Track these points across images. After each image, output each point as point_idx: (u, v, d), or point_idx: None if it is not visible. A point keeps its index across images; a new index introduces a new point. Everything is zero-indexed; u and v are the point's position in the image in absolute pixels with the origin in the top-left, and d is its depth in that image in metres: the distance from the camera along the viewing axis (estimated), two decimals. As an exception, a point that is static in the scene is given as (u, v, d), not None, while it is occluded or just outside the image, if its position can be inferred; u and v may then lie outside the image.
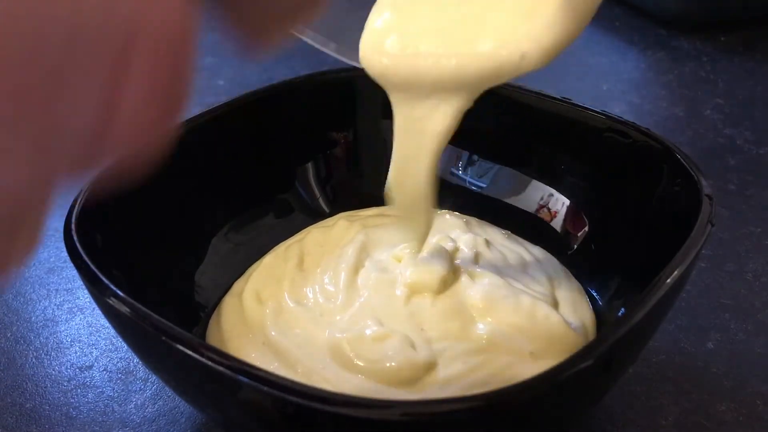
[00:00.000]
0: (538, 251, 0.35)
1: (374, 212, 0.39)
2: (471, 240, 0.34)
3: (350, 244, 0.35)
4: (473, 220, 0.37)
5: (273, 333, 0.31)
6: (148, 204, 0.33)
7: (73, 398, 0.33)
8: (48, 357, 0.35)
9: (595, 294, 0.33)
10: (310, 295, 0.33)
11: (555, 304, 0.31)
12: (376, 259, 0.34)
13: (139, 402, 0.32)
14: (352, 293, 0.32)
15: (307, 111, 0.39)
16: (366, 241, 0.35)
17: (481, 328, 0.30)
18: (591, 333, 0.31)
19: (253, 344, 0.30)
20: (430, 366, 0.28)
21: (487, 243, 0.35)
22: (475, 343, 0.29)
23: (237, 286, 0.34)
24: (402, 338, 0.29)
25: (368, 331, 0.29)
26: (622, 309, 0.31)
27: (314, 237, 0.36)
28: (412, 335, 0.29)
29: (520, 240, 0.36)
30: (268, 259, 0.35)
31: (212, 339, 0.32)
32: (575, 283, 0.34)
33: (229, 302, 0.33)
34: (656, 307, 0.24)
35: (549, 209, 0.36)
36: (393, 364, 0.28)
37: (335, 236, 0.36)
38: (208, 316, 0.33)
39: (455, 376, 0.28)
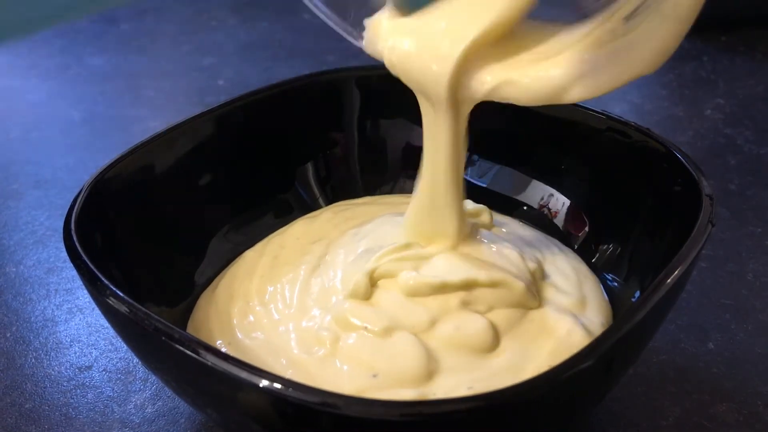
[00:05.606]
0: (556, 242, 0.35)
1: (366, 201, 0.39)
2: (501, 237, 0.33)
3: (318, 242, 0.34)
4: (485, 210, 0.36)
5: (239, 335, 0.30)
6: (148, 204, 0.33)
7: (73, 398, 0.32)
8: (47, 357, 0.35)
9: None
10: (272, 296, 0.32)
11: (582, 302, 0.30)
12: (335, 264, 0.32)
13: (138, 402, 0.32)
14: (305, 303, 0.31)
15: (307, 111, 0.39)
16: (335, 241, 0.34)
17: (496, 360, 0.27)
18: None
19: (220, 346, 0.30)
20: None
21: (507, 233, 0.33)
22: (486, 371, 0.27)
23: (216, 279, 0.34)
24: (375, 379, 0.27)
25: (338, 363, 0.27)
26: (637, 294, 0.30)
27: (295, 229, 0.36)
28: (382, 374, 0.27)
29: (537, 230, 0.36)
30: (249, 253, 0.35)
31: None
32: (594, 276, 0.33)
33: (205, 297, 0.33)
34: (657, 307, 0.24)
35: (549, 209, 0.36)
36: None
37: (315, 229, 0.36)
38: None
39: None
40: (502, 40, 0.26)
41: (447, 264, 0.30)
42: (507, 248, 0.31)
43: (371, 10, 0.29)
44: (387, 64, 0.28)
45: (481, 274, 0.29)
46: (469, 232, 0.31)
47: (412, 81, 0.28)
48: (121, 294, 0.25)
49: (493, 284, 0.29)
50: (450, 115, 0.28)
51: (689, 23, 0.23)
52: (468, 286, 0.29)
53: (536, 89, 0.26)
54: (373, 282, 0.30)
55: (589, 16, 0.25)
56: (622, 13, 0.24)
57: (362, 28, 0.29)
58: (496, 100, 0.27)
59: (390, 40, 0.28)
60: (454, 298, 0.29)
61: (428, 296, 0.29)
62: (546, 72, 0.26)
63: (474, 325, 0.28)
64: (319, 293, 0.31)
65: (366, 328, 0.28)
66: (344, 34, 0.29)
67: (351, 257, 0.32)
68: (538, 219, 0.36)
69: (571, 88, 0.25)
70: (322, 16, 0.29)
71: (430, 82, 0.27)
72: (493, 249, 0.31)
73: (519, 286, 0.29)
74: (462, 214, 0.31)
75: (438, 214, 0.31)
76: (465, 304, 0.29)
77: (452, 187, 0.30)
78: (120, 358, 0.34)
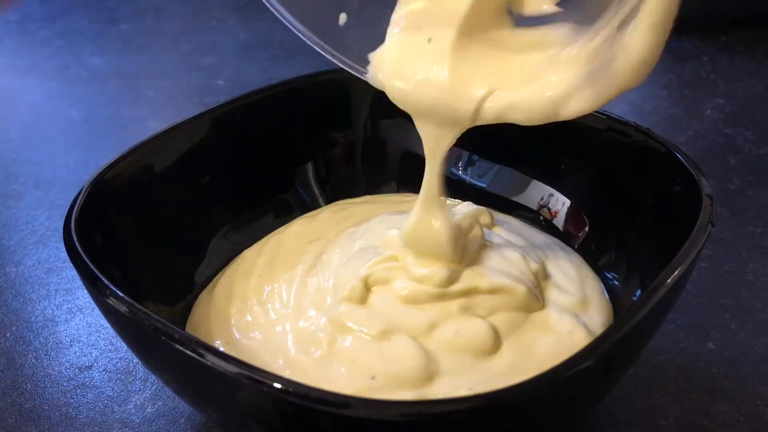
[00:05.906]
0: (557, 241, 0.35)
1: (365, 200, 0.39)
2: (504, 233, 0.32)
3: (315, 241, 0.34)
4: (485, 211, 0.36)
5: (237, 335, 0.30)
6: (148, 204, 0.33)
7: (73, 398, 0.32)
8: (47, 357, 0.35)
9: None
10: (269, 295, 0.32)
11: (584, 302, 0.30)
12: (331, 264, 0.32)
13: (138, 402, 0.32)
14: (301, 303, 0.31)
15: (307, 111, 0.39)
16: (332, 240, 0.34)
17: (497, 362, 0.27)
18: None
19: (218, 345, 0.30)
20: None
21: (509, 231, 0.33)
22: (486, 373, 0.27)
23: (215, 279, 0.34)
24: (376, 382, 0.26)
25: (335, 365, 0.27)
26: (638, 293, 0.30)
27: (294, 228, 0.36)
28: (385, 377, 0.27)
29: (538, 230, 0.36)
30: (248, 252, 0.35)
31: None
32: (595, 275, 0.33)
33: (203, 296, 0.33)
34: (657, 307, 0.24)
35: (549, 209, 0.36)
36: None
37: (313, 228, 0.36)
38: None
39: None
40: (499, 56, 0.27)
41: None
42: (509, 250, 0.31)
43: (374, 45, 0.29)
44: (392, 97, 0.29)
45: (482, 282, 0.29)
46: (472, 252, 0.31)
47: (422, 112, 0.28)
48: (121, 294, 0.25)
49: (493, 291, 0.29)
50: (456, 131, 0.29)
51: (665, 32, 0.22)
52: (468, 293, 0.29)
53: (532, 111, 0.26)
54: (368, 287, 0.30)
55: (593, 18, 0.25)
56: (617, 18, 0.24)
57: (366, 62, 0.29)
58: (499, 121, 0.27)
59: (395, 79, 0.28)
60: (454, 304, 0.29)
61: (426, 303, 0.29)
62: (540, 94, 0.26)
63: (474, 329, 0.28)
64: (315, 293, 0.31)
65: (362, 331, 0.28)
66: (349, 70, 0.29)
67: (346, 257, 0.32)
68: (538, 219, 0.37)
69: (563, 107, 0.26)
70: (326, 54, 0.30)
71: (448, 115, 0.28)
72: (495, 251, 0.31)
73: (521, 290, 0.29)
74: (455, 235, 0.30)
75: (432, 233, 0.30)
76: (465, 310, 0.29)
77: (440, 198, 0.30)
78: (120, 358, 0.34)
